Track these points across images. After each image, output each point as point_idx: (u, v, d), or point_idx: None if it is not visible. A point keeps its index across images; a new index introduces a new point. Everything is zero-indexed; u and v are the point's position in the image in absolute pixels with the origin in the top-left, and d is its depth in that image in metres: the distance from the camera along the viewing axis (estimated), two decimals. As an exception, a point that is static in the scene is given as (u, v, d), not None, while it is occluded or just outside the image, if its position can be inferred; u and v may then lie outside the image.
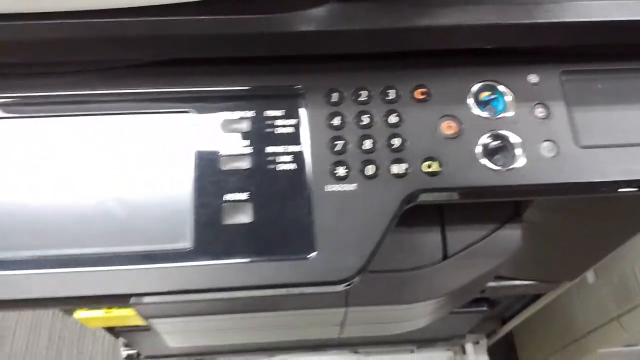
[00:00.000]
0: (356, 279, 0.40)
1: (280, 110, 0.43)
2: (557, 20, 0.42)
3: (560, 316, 1.12)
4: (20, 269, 0.39)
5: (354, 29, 0.41)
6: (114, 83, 0.42)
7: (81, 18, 0.39)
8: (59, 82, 0.42)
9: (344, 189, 0.42)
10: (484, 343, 0.89)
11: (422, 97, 0.44)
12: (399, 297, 0.50)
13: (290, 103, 0.44)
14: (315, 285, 0.40)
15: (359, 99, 0.44)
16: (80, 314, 0.63)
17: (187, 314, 0.48)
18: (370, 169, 0.42)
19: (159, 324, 0.50)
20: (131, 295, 0.39)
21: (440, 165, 0.42)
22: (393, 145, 0.43)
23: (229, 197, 0.41)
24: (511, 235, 0.51)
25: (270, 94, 0.44)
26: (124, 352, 0.82)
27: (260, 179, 0.42)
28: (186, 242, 0.40)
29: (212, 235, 0.40)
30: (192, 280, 0.40)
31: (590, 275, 1.02)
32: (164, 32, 0.39)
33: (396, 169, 0.42)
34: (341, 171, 0.42)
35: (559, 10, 0.42)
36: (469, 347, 0.90)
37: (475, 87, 0.44)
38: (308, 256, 0.40)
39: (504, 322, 0.84)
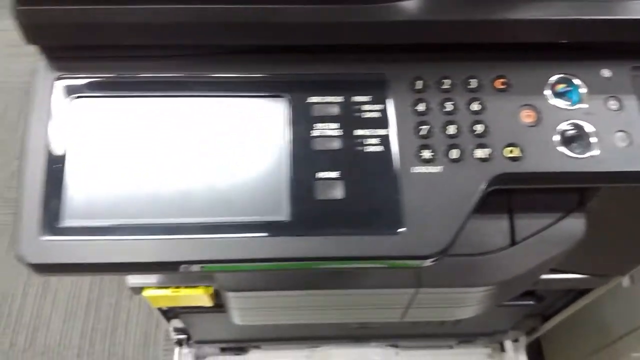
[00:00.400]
0: (442, 255, 0.43)
1: (368, 96, 0.46)
2: (631, 17, 0.45)
3: (591, 321, 1.12)
4: (133, 235, 0.42)
5: (443, 19, 0.44)
6: (220, 67, 0.45)
7: (192, 3, 0.42)
8: (174, 64, 0.45)
9: (430, 171, 0.44)
10: (523, 340, 0.91)
11: (502, 87, 0.46)
12: (469, 280, 0.52)
13: (377, 89, 0.46)
14: (404, 259, 0.42)
15: (442, 87, 0.46)
16: (149, 292, 0.66)
17: (267, 289, 0.51)
18: (454, 153, 0.45)
19: (235, 298, 0.52)
20: (233, 260, 0.42)
21: (521, 151, 0.45)
22: (476, 131, 0.45)
23: (321, 175, 0.44)
24: (575, 224, 0.53)
25: (358, 81, 0.46)
26: (175, 337, 0.84)
27: (350, 159, 0.44)
28: (283, 215, 0.43)
29: (306, 209, 0.43)
30: (289, 249, 0.42)
31: (625, 280, 1.04)
32: (271, 19, 0.42)
33: (480, 153, 0.45)
34: (427, 154, 0.45)
35: (634, 8, 0.45)
36: (508, 344, 0.91)
37: (552, 79, 0.47)
38: (398, 231, 0.42)
39: (545, 320, 0.86)
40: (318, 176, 0.44)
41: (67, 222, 0.42)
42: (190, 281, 0.64)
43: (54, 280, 1.47)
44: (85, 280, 1.47)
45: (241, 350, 0.91)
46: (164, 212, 0.42)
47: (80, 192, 0.43)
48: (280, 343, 0.86)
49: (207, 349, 0.90)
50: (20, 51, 2.10)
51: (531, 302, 0.73)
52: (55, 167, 0.43)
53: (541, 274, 0.59)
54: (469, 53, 0.47)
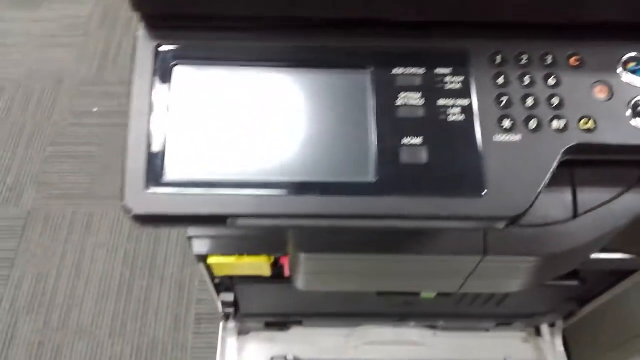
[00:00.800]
0: (521, 218, 0.45)
1: (450, 68, 0.49)
2: None
3: (618, 312, 1.14)
4: (230, 190, 0.45)
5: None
6: (312, 40, 0.48)
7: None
8: (268, 35, 0.48)
9: (510, 139, 0.47)
10: (560, 325, 0.93)
11: (576, 64, 0.49)
12: (532, 250, 0.54)
13: (459, 62, 0.49)
14: (487, 220, 0.45)
15: (520, 62, 0.49)
16: (213, 259, 0.69)
17: (340, 251, 0.53)
18: (533, 123, 0.47)
19: (307, 261, 0.55)
20: (324, 216, 0.45)
21: (595, 123, 0.47)
22: (553, 104, 0.48)
23: (406, 141, 0.47)
24: (636, 199, 0.55)
25: (441, 54, 0.49)
26: (223, 311, 0.87)
27: (433, 127, 0.47)
28: (370, 177, 0.46)
29: (392, 172, 0.46)
30: (376, 207, 0.45)
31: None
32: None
33: (556, 124, 0.47)
34: (507, 124, 0.47)
35: None
36: (544, 328, 0.94)
37: (624, 58, 0.50)
38: (481, 194, 0.45)
39: (582, 304, 0.88)
40: (403, 142, 0.47)
41: (170, 177, 0.45)
42: (255, 250, 0.67)
43: (87, 262, 1.51)
44: (117, 263, 1.50)
45: (284, 326, 0.94)
46: (259, 171, 0.45)
47: (181, 149, 0.46)
48: (324, 319, 0.89)
49: (250, 324, 0.93)
50: (53, 42, 2.17)
51: (575, 283, 0.75)
52: (157, 127, 0.46)
53: (596, 250, 0.61)
54: (544, 31, 0.49)
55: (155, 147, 0.46)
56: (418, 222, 0.46)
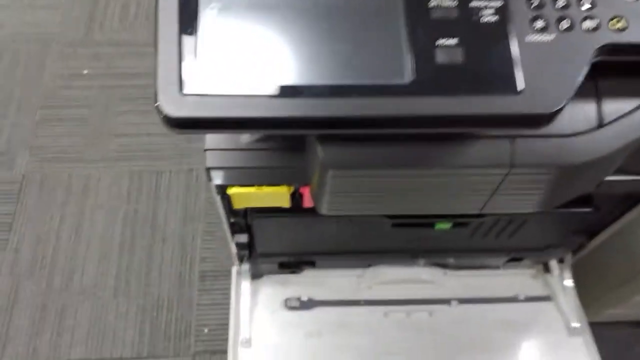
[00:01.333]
0: (557, 115, 0.45)
1: (481, -29, 0.48)
2: None
3: (627, 245, 1.13)
4: (264, 93, 0.44)
5: None
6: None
7: None
8: None
9: (543, 39, 0.47)
10: (569, 260, 0.94)
11: None
12: (558, 160, 0.55)
13: (489, -35, 0.48)
14: (523, 117, 0.45)
15: None
16: (233, 190, 0.68)
17: (369, 164, 0.53)
18: (565, 24, 0.47)
19: (334, 179, 0.55)
20: (359, 117, 0.44)
21: (627, 22, 0.47)
22: (584, 3, 0.48)
23: (440, 42, 0.46)
24: None
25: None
26: (238, 253, 0.87)
27: (467, 28, 0.47)
28: (405, 78, 0.45)
29: (428, 73, 0.45)
30: (412, 107, 0.45)
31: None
32: None
33: (588, 24, 0.47)
34: (540, 24, 0.47)
35: None
36: (553, 264, 0.95)
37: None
38: (518, 91, 0.45)
39: (591, 237, 0.90)
40: (438, 43, 0.46)
41: (203, 80, 0.44)
42: (274, 180, 0.67)
43: (86, 224, 1.49)
44: (117, 224, 1.49)
45: (297, 267, 0.94)
46: (293, 74, 0.45)
47: (214, 51, 0.45)
48: (337, 258, 0.89)
49: (263, 266, 0.93)
50: (36, 3, 2.11)
51: (589, 210, 0.76)
52: (189, 31, 0.45)
53: (618, 163, 0.62)
54: None
55: (188, 49, 0.45)
56: (454, 125, 0.46)
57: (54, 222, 1.50)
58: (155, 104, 0.43)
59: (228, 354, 0.87)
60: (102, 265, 1.45)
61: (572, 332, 0.93)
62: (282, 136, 0.65)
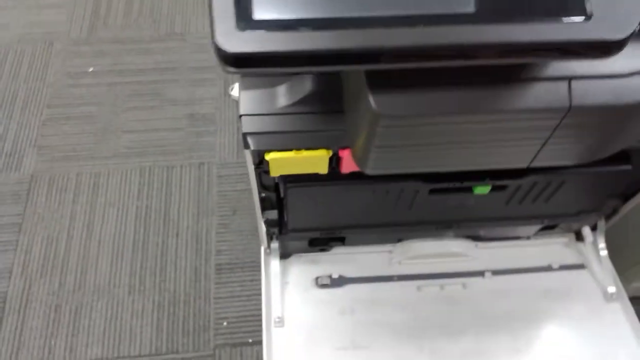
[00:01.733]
0: (627, 42, 0.44)
1: None
2: None
3: None
4: (323, 27, 0.42)
5: None
6: None
7: None
8: None
9: None
10: (602, 227, 0.93)
11: None
12: (618, 99, 0.53)
13: None
14: (593, 43, 0.44)
15: None
16: (271, 155, 0.66)
17: (423, 112, 0.51)
18: None
19: (384, 128, 0.53)
20: (428, 47, 0.43)
21: None
22: None
23: None
24: None
25: None
26: (267, 231, 0.84)
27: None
28: (470, 7, 0.44)
29: (492, 1, 0.44)
30: (478, 35, 0.43)
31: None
32: None
33: None
34: None
35: None
36: (586, 230, 0.94)
37: None
38: (586, 17, 0.44)
39: (625, 201, 0.88)
40: (498, -28, 0.45)
41: (260, 15, 0.43)
42: (312, 143, 0.65)
43: (98, 222, 1.46)
44: (129, 221, 1.46)
45: (326, 245, 0.92)
46: (352, 6, 0.43)
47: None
48: (369, 231, 0.87)
49: (292, 246, 0.91)
50: (40, 3, 2.09)
51: (628, 167, 0.75)
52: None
53: None
54: None
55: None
56: (521, 54, 0.44)
57: (65, 221, 1.47)
58: (212, 40, 0.42)
59: (263, 335, 0.85)
60: (116, 263, 1.42)
61: (609, 298, 0.91)
62: (320, 97, 0.64)
